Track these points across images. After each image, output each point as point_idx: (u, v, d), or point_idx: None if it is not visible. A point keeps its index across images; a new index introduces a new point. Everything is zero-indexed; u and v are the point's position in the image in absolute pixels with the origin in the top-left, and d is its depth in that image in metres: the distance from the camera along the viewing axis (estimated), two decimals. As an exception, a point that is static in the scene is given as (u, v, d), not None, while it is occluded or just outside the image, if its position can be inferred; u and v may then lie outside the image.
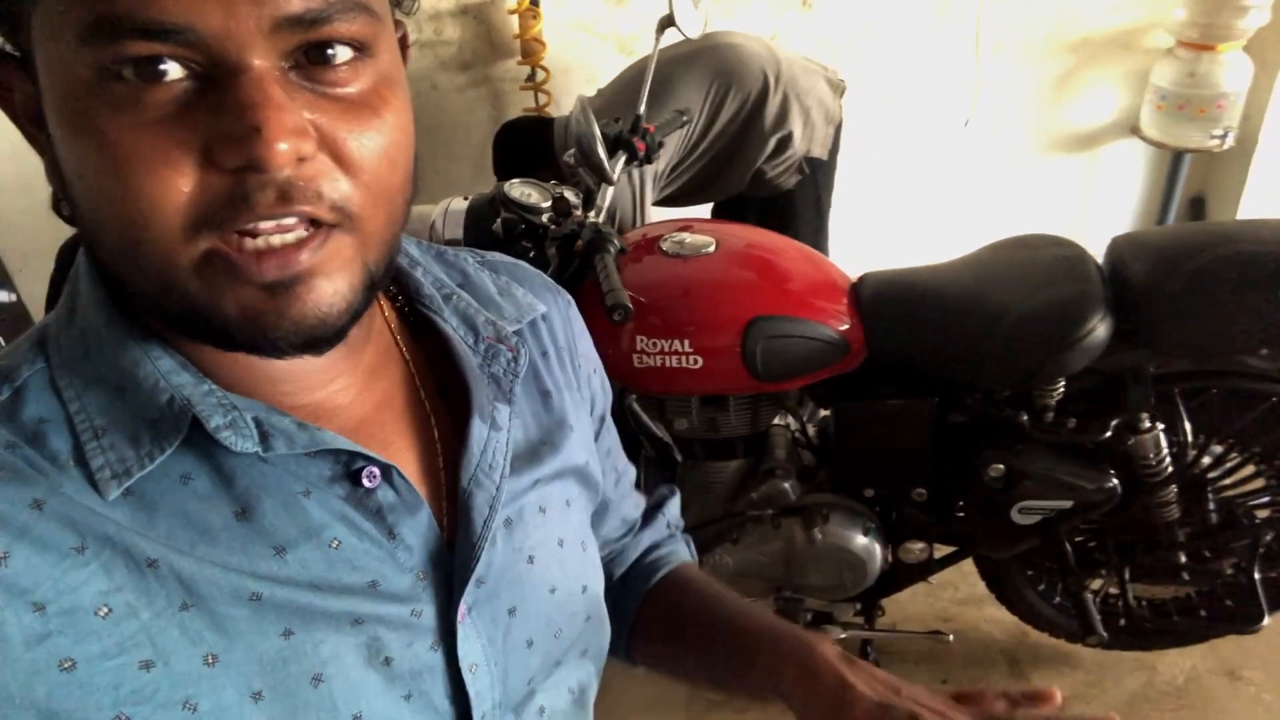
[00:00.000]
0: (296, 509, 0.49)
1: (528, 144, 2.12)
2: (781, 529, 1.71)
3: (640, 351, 1.49)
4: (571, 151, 1.42)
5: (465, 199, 1.56)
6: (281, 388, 0.51)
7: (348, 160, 0.43)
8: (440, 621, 0.54)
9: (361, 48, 0.44)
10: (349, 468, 0.51)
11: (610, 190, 1.57)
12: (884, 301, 1.58)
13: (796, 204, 2.30)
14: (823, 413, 1.75)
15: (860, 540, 1.68)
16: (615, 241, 1.38)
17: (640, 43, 2.80)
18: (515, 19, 2.61)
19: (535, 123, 2.21)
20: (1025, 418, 1.55)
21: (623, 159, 1.64)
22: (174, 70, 0.40)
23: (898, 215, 3.06)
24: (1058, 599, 1.85)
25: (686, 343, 1.47)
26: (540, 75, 2.68)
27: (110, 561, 0.44)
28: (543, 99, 2.72)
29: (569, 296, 0.74)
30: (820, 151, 2.24)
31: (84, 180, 0.42)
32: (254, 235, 0.42)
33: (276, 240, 0.42)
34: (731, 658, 0.71)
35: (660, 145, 1.74)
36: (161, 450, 0.46)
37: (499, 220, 1.49)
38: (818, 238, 2.38)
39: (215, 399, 0.47)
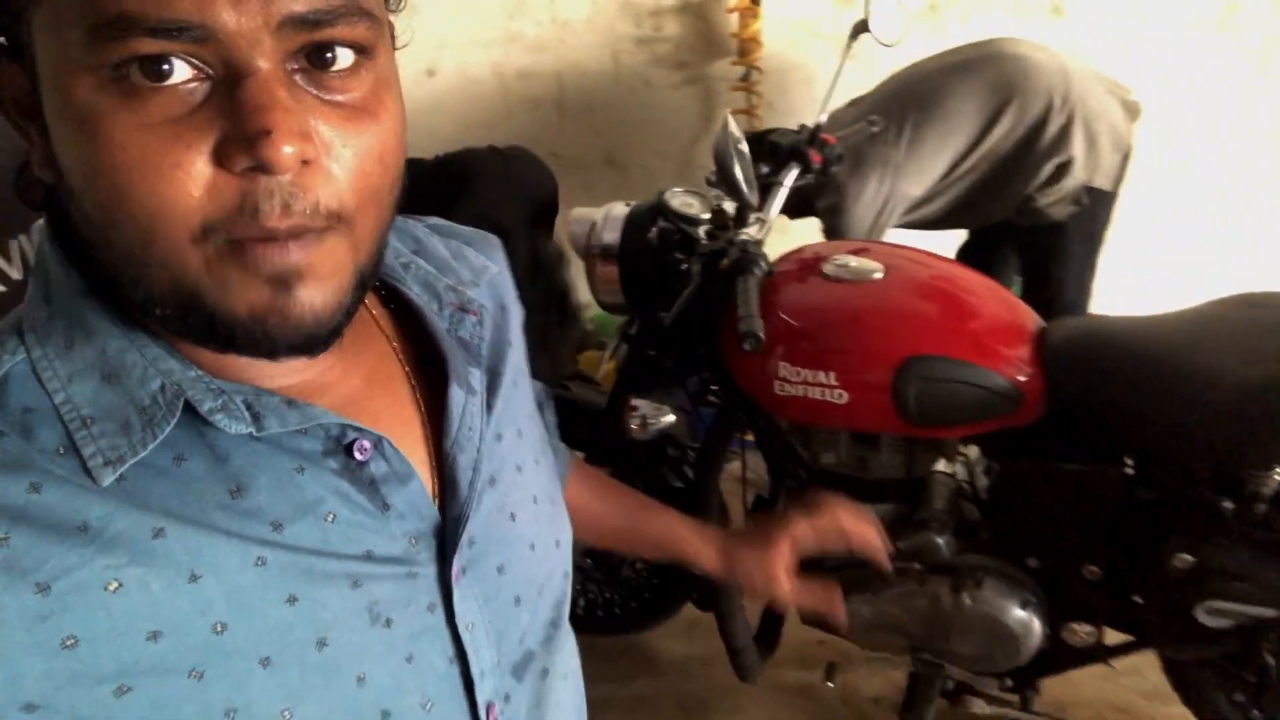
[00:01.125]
0: (291, 485, 0.50)
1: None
2: (928, 586, 1.56)
3: (783, 379, 1.40)
4: (711, 170, 1.36)
5: (628, 205, 1.54)
6: (266, 371, 0.51)
7: (343, 163, 0.44)
8: (436, 584, 0.55)
9: (363, 51, 0.45)
10: (340, 442, 0.52)
11: (775, 207, 1.49)
12: (1075, 352, 1.39)
13: (1068, 238, 2.06)
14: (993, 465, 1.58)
15: (1017, 613, 1.50)
16: (763, 264, 1.30)
17: (864, 45, 2.66)
18: (735, 16, 2.56)
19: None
20: (1229, 504, 1.31)
21: (794, 171, 1.55)
22: (181, 70, 0.40)
23: (1153, 253, 2.71)
24: (1256, 715, 1.57)
25: (832, 375, 1.37)
26: (754, 76, 2.62)
27: (115, 537, 0.44)
28: (754, 100, 2.65)
29: (503, 246, 0.75)
30: (1104, 182, 2.00)
31: (90, 180, 0.42)
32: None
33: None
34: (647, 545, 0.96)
35: (840, 158, 1.63)
36: (154, 436, 0.46)
37: (655, 229, 1.46)
38: (1085, 279, 2.13)
39: (204, 384, 0.48)
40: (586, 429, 1.71)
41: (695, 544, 0.90)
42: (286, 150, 0.40)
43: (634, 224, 1.49)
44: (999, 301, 1.48)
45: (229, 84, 0.41)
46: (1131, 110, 2.04)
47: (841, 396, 1.37)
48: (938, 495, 1.55)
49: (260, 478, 0.49)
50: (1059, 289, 2.09)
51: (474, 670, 0.56)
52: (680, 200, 1.48)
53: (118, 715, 0.43)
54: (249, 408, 0.48)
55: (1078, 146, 1.92)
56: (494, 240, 0.74)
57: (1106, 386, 1.37)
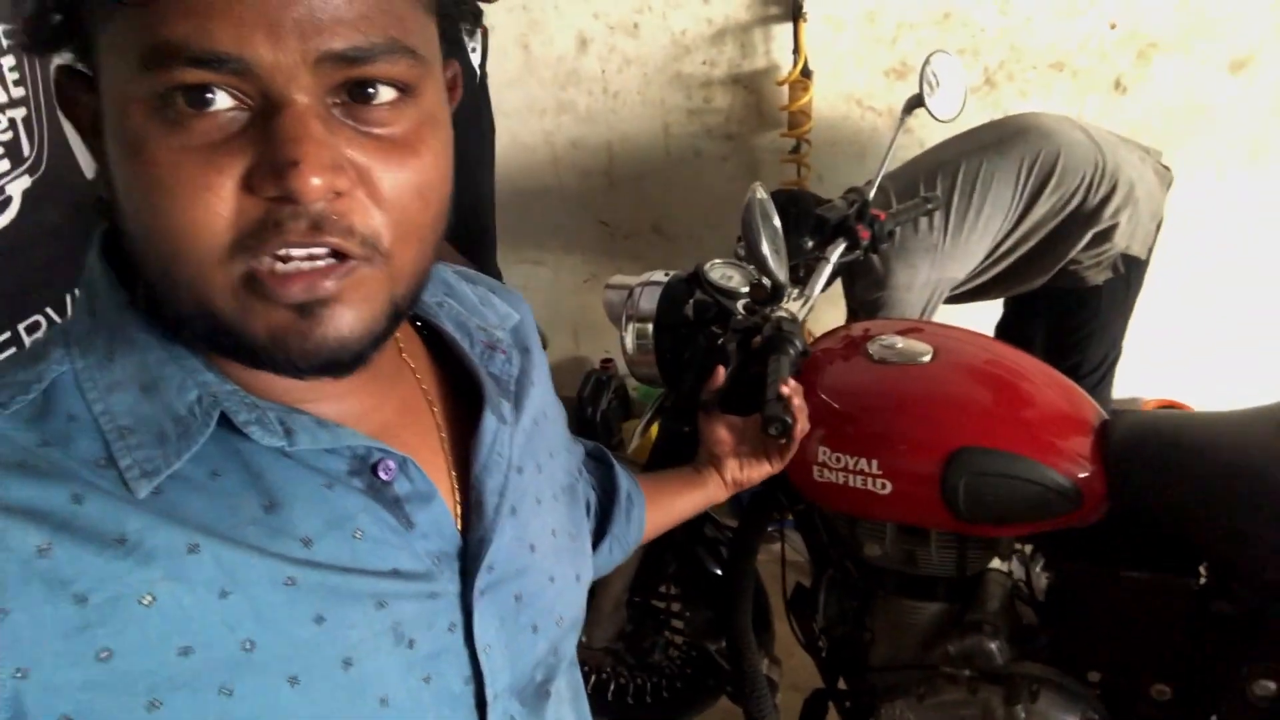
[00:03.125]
0: (321, 501, 0.51)
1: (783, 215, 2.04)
2: (979, 695, 1.43)
3: (822, 464, 1.32)
4: (740, 244, 1.30)
5: (666, 274, 1.49)
6: (306, 395, 0.53)
7: (382, 197, 0.45)
8: (458, 604, 0.56)
9: (405, 89, 0.46)
10: (365, 462, 0.53)
11: (819, 284, 1.42)
12: (1142, 448, 1.29)
13: (1103, 302, 2.01)
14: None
15: (1076, 732, 1.37)
16: (797, 343, 1.23)
17: (918, 120, 2.61)
18: (785, 89, 2.54)
19: (791, 195, 2.12)
20: (1318, 628, 1.18)
21: (841, 246, 1.49)
22: (223, 100, 0.42)
23: (1207, 330, 2.59)
24: None
25: (875, 463, 1.28)
26: (804, 148, 2.58)
27: (152, 551, 0.45)
28: (804, 172, 2.61)
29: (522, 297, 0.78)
30: (1140, 250, 1.96)
31: (131, 198, 0.44)
32: (285, 260, 0.44)
33: (306, 265, 0.44)
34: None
35: (890, 235, 1.57)
36: (189, 447, 0.47)
37: (692, 301, 1.40)
38: (1114, 345, 2.09)
39: (239, 398, 0.49)
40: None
41: (705, 494, 1.13)
42: (314, 181, 0.41)
43: (670, 294, 1.44)
44: (1058, 390, 1.38)
45: (266, 114, 0.42)
46: (1163, 178, 2.00)
47: (885, 487, 1.28)
48: (991, 596, 1.43)
49: (292, 493, 0.50)
50: (1088, 354, 2.03)
51: (488, 693, 0.57)
52: (719, 272, 1.42)
53: None
54: (281, 423, 0.49)
55: (1118, 214, 1.88)
56: (516, 292, 0.77)
57: (1176, 488, 1.25)
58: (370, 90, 0.44)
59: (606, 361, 3.12)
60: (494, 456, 0.61)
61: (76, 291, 1.35)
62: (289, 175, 0.41)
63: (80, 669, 0.42)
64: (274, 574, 0.48)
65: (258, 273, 0.44)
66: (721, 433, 1.16)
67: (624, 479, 0.99)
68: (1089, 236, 1.90)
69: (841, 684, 1.62)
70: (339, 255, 0.45)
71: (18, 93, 1.53)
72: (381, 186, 0.45)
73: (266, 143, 0.42)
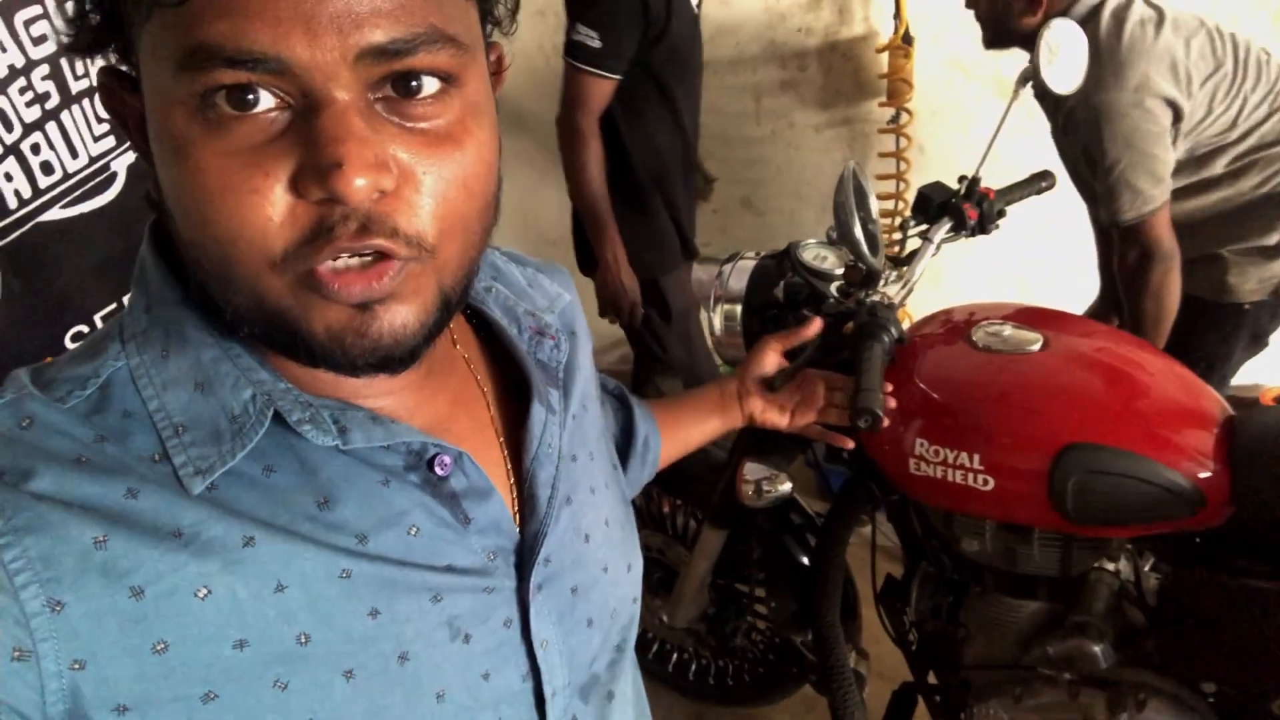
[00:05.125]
0: (377, 498, 0.51)
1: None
2: (1080, 700, 1.36)
3: (919, 457, 1.26)
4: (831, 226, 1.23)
5: (756, 255, 1.44)
6: (359, 390, 0.52)
7: (426, 192, 0.44)
8: (514, 599, 0.56)
9: (448, 79, 0.45)
10: (421, 457, 0.53)
11: (920, 267, 1.35)
12: (1270, 449, 1.19)
13: (1243, 327, 1.89)
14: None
15: (1186, 744, 1.29)
16: (893, 330, 1.17)
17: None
18: (884, 57, 2.43)
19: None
20: None
21: (946, 226, 1.41)
22: (265, 100, 0.41)
23: None
24: None
25: (976, 458, 1.21)
26: (904, 118, 2.48)
27: (207, 544, 0.45)
28: (903, 143, 2.51)
29: (569, 274, 0.77)
30: None
31: (180, 201, 0.44)
32: (336, 259, 0.44)
33: (357, 263, 0.44)
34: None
35: (1002, 214, 1.48)
36: (243, 445, 0.47)
37: (782, 283, 1.35)
38: (1225, 383, 1.95)
39: (293, 396, 0.49)
40: (707, 489, 1.60)
41: (724, 422, 1.13)
42: (359, 183, 0.41)
43: (761, 275, 1.39)
44: (1179, 383, 1.28)
45: (308, 113, 0.41)
46: None
47: (987, 483, 1.22)
48: (1097, 597, 1.35)
49: (348, 490, 0.50)
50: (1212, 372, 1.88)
51: (546, 689, 0.56)
52: (812, 253, 1.36)
53: None
54: (335, 421, 0.49)
55: None
56: (564, 270, 0.76)
57: (1310, 492, 1.16)
58: (414, 84, 0.43)
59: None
60: (544, 448, 0.60)
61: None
62: (333, 177, 0.40)
63: (136, 661, 0.43)
64: (329, 567, 0.48)
65: (315, 273, 0.43)
66: (770, 363, 1.15)
67: (643, 422, 0.99)
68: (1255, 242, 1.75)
69: (931, 678, 1.56)
70: (386, 255, 0.44)
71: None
72: (425, 181, 0.44)
73: (309, 144, 0.41)
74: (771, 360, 1.16)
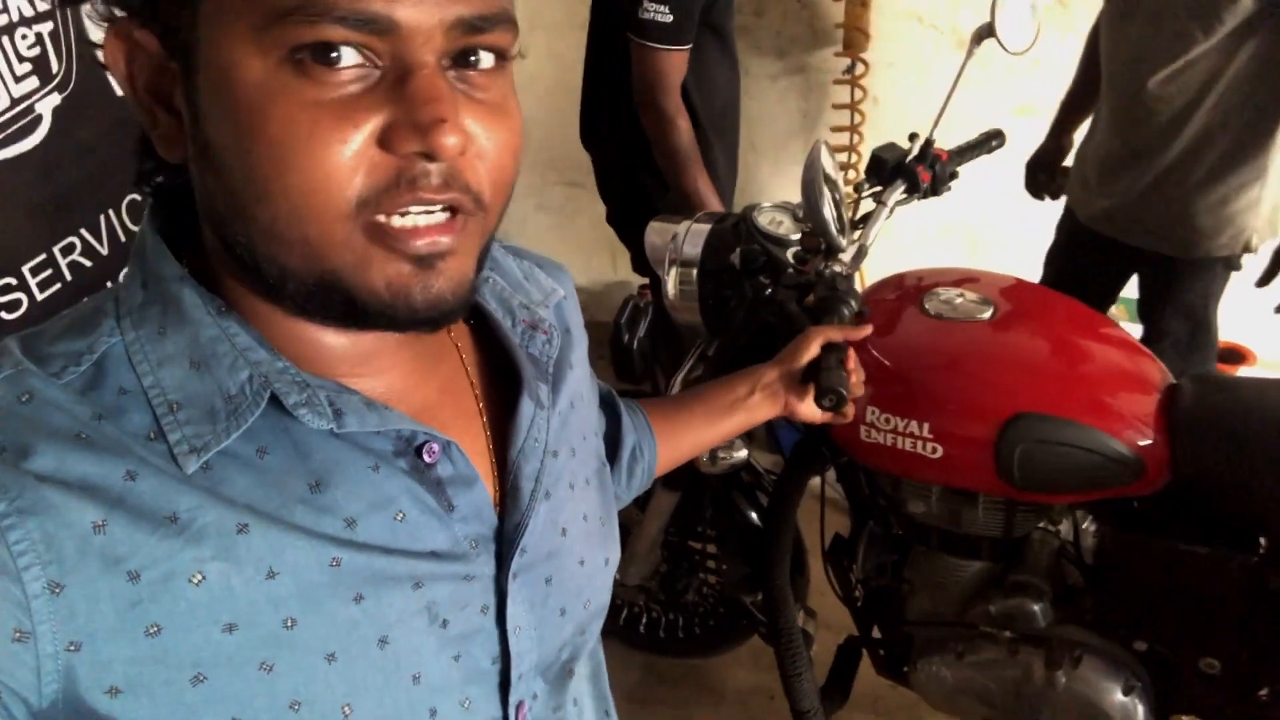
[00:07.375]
0: (367, 483, 0.52)
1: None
2: (1019, 657, 1.41)
3: (869, 424, 1.27)
4: (798, 203, 1.21)
5: (712, 217, 1.42)
6: (354, 370, 0.54)
7: (485, 156, 0.48)
8: (492, 587, 0.57)
9: (502, 55, 0.48)
10: (410, 443, 0.54)
11: (873, 232, 1.34)
12: (1209, 417, 1.22)
13: (1217, 283, 1.92)
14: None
15: (1116, 698, 1.34)
16: (853, 303, 1.16)
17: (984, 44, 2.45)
18: (842, 6, 2.39)
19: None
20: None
21: (899, 189, 1.40)
22: (349, 57, 0.43)
23: None
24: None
25: (926, 426, 1.23)
26: (860, 69, 2.45)
27: (202, 530, 0.46)
28: (859, 95, 2.48)
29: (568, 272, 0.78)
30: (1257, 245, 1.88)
31: (245, 156, 0.44)
32: (403, 214, 0.45)
33: (423, 221, 0.46)
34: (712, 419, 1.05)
35: (954, 176, 1.47)
36: (238, 425, 0.48)
37: (738, 250, 1.33)
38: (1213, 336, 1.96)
39: (290, 376, 0.50)
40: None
41: (746, 415, 1.06)
42: (452, 140, 0.44)
43: (716, 240, 1.37)
44: (1125, 352, 1.31)
45: (398, 74, 0.44)
46: None
47: (935, 451, 1.23)
48: (1037, 557, 1.40)
49: (339, 474, 0.51)
50: (1194, 330, 1.91)
51: (513, 673, 0.58)
52: (768, 217, 1.35)
53: (193, 702, 0.46)
54: (331, 404, 0.50)
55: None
56: (563, 266, 0.76)
57: (1243, 459, 1.19)
58: (473, 57, 0.47)
59: (645, 288, 3.06)
60: (530, 441, 0.62)
61: (112, 215, 1.31)
62: (435, 132, 0.43)
63: (130, 643, 0.44)
64: (321, 556, 0.49)
65: (384, 226, 0.45)
66: (814, 355, 1.09)
67: (630, 434, 0.96)
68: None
69: (876, 633, 1.60)
70: (453, 210, 0.47)
71: (43, 5, 1.46)
72: (486, 146, 0.47)
73: (405, 102, 0.44)
74: (815, 352, 1.09)
